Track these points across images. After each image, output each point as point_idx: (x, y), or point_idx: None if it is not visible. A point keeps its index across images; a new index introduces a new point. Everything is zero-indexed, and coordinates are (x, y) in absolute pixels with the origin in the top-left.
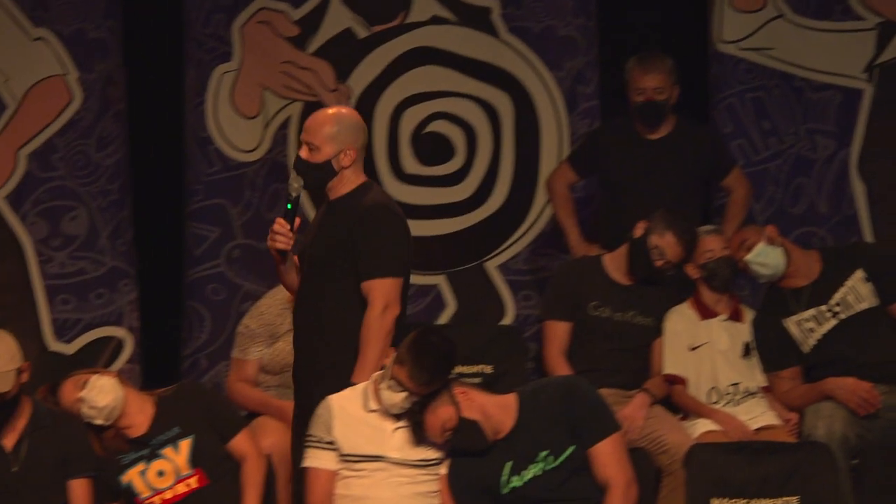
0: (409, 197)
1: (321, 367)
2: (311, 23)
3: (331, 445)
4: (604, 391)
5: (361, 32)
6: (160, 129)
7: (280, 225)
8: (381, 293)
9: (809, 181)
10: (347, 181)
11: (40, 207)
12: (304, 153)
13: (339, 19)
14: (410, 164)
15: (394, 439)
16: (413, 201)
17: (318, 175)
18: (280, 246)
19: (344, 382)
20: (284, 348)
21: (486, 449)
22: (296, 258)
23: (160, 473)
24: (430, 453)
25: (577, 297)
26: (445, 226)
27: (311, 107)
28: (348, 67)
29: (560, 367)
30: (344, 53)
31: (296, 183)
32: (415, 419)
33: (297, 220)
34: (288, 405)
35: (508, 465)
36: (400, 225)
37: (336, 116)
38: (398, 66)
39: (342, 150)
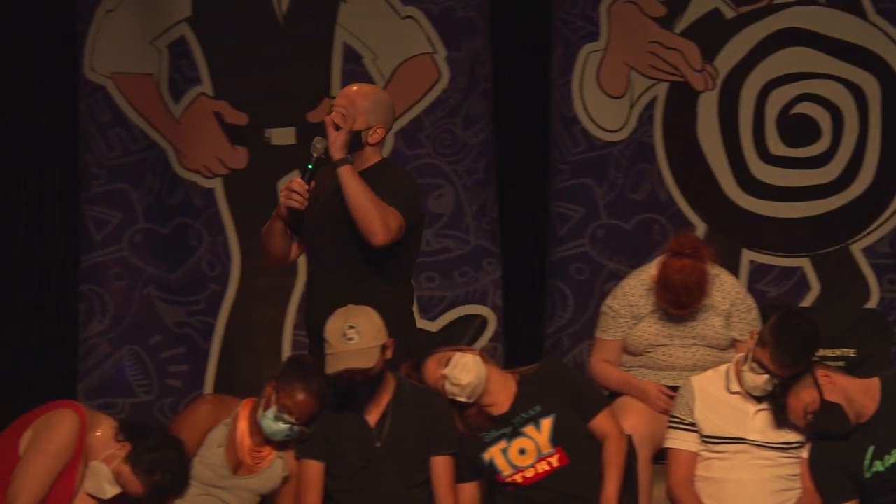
0: (775, 179)
1: None
2: (678, 3)
3: (692, 427)
4: None
5: (729, 13)
6: (526, 109)
7: (298, 184)
8: (395, 217)
9: None
10: (367, 158)
11: None
12: (337, 118)
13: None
14: (776, 146)
15: (755, 421)
16: (778, 183)
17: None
18: (295, 205)
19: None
20: (647, 329)
21: (849, 433)
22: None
23: (521, 451)
24: (792, 436)
25: None
26: (810, 208)
27: (677, 87)
28: (715, 48)
29: None
30: (711, 34)
31: (319, 144)
32: (777, 402)
33: (313, 183)
34: (650, 385)
35: (871, 449)
36: (415, 185)
37: (375, 92)
38: (765, 47)
39: (373, 127)
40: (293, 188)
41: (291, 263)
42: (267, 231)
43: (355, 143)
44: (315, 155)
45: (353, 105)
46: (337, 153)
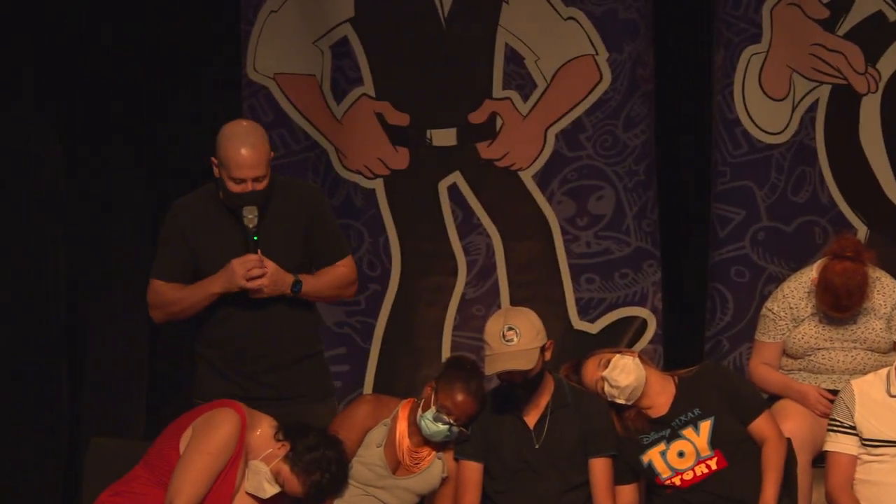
0: None
1: (298, 357)
2: (841, 5)
3: (852, 430)
4: None
5: (892, 15)
6: (687, 110)
7: (256, 263)
8: (349, 268)
9: None
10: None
11: (567, 186)
12: (258, 186)
13: (869, 2)
14: None
15: None
16: None
17: (265, 198)
18: (262, 284)
19: (318, 370)
20: (807, 332)
21: None
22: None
23: (680, 454)
24: None
25: None
26: None
27: (839, 90)
28: (878, 51)
29: None
30: (873, 36)
31: (251, 215)
32: None
33: (259, 251)
34: (810, 388)
35: None
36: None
37: (262, 132)
38: None
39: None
40: (254, 274)
41: None
42: (199, 301)
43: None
44: (251, 226)
45: (263, 165)
46: (285, 291)
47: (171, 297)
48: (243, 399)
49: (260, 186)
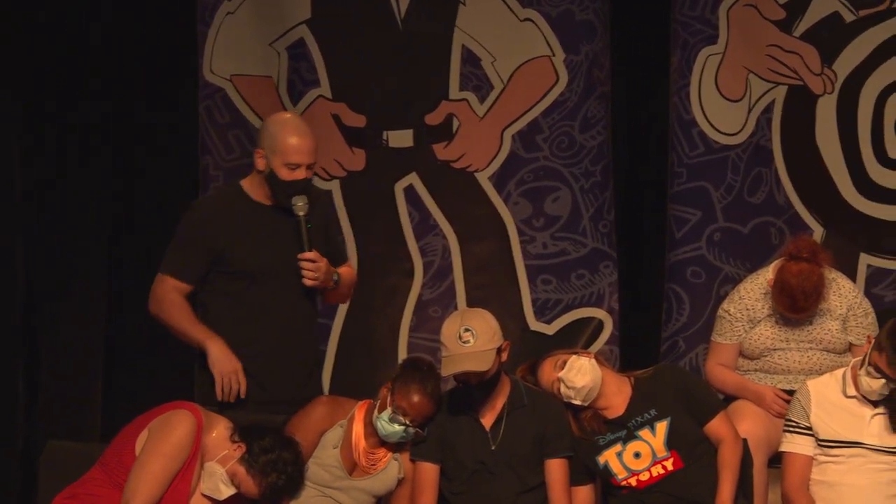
0: (893, 182)
1: (312, 361)
2: (797, 6)
3: (808, 431)
4: None
5: (848, 16)
6: (644, 111)
7: (314, 257)
8: (352, 266)
9: None
10: None
11: (524, 188)
12: (308, 174)
13: (825, 3)
14: (894, 150)
15: (872, 426)
16: None
17: (310, 190)
18: (321, 281)
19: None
20: (763, 333)
21: None
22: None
23: (636, 455)
24: None
25: None
26: None
27: (796, 91)
28: (834, 51)
29: None
30: (830, 37)
31: (301, 202)
32: (893, 406)
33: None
34: (766, 389)
35: None
36: None
37: (308, 129)
38: (884, 51)
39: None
40: (309, 267)
41: None
42: (187, 338)
43: None
44: (302, 214)
45: (315, 153)
46: (329, 284)
47: (175, 311)
48: (262, 403)
49: (310, 174)
